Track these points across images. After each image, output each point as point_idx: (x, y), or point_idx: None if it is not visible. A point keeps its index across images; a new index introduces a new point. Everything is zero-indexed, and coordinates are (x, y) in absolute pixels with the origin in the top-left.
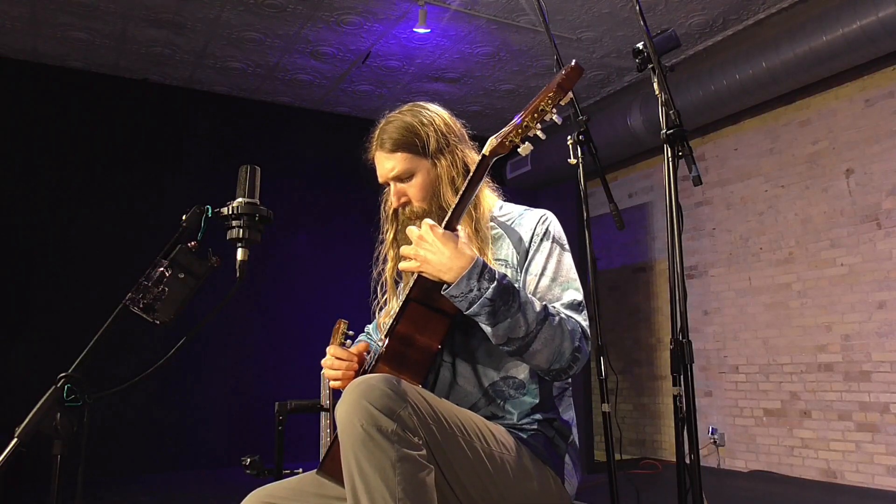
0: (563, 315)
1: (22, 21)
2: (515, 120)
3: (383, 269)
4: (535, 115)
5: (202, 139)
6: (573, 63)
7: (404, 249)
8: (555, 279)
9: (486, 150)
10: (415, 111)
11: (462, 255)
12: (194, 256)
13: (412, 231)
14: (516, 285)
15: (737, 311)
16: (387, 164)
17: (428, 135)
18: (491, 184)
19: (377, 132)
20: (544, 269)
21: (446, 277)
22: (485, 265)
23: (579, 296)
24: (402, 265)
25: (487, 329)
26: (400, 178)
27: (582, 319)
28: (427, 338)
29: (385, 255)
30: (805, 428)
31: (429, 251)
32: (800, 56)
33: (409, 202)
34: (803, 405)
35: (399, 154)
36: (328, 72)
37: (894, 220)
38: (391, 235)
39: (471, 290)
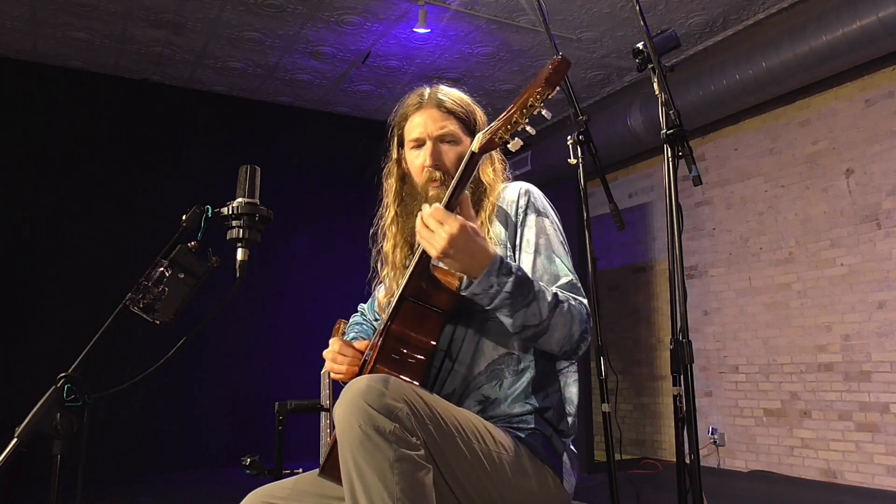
0: (571, 301)
1: (22, 21)
2: (503, 115)
3: (382, 246)
4: (524, 110)
5: (202, 139)
6: (560, 56)
7: (435, 240)
8: (549, 256)
9: (475, 146)
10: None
11: (486, 254)
12: (194, 256)
13: (439, 228)
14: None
15: (737, 311)
16: (441, 121)
17: (476, 115)
18: (502, 163)
19: (431, 92)
20: (537, 246)
21: (470, 276)
22: (502, 260)
23: (573, 274)
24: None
25: (507, 320)
26: (444, 139)
27: (584, 299)
28: (423, 335)
29: (385, 232)
30: (805, 428)
31: (459, 250)
32: (800, 56)
33: (440, 165)
34: (803, 405)
35: (454, 118)
36: (328, 72)
37: (894, 220)
38: (392, 212)
39: (491, 286)
